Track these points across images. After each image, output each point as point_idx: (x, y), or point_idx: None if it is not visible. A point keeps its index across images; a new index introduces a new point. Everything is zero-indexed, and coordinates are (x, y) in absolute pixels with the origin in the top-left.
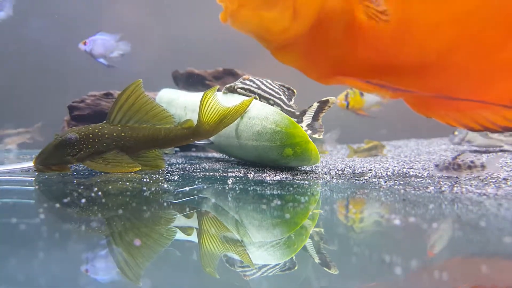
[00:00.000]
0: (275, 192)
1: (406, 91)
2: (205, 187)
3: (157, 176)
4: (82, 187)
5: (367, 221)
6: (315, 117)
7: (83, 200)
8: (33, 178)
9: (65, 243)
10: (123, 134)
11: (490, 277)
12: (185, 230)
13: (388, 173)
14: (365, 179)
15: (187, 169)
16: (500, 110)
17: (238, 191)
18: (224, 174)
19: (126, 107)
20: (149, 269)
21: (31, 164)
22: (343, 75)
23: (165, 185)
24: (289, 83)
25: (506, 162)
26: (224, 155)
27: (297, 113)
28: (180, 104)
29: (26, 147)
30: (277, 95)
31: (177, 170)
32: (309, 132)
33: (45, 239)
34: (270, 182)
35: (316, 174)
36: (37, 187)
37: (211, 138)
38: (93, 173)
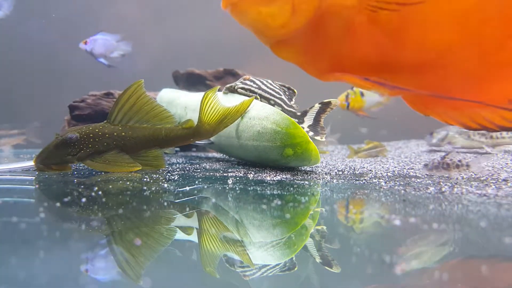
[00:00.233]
0: (275, 192)
1: (404, 89)
2: (205, 187)
3: (158, 175)
4: (82, 186)
5: (367, 222)
6: (316, 118)
7: (84, 200)
8: (34, 177)
9: (65, 242)
10: (123, 134)
11: (490, 278)
12: (185, 229)
13: (389, 174)
14: (365, 179)
15: (187, 169)
16: (499, 109)
17: (238, 191)
18: (225, 174)
19: (127, 107)
20: (150, 269)
21: (31, 163)
22: (342, 72)
23: (166, 185)
24: (289, 83)
25: (507, 163)
26: (224, 155)
27: (298, 114)
28: (181, 103)
29: (20, 148)
30: (277, 95)
31: (178, 169)
32: (311, 133)
33: (45, 238)
34: (271, 182)
35: (316, 174)
36: (37, 186)
37: (212, 138)
38: (94, 172)
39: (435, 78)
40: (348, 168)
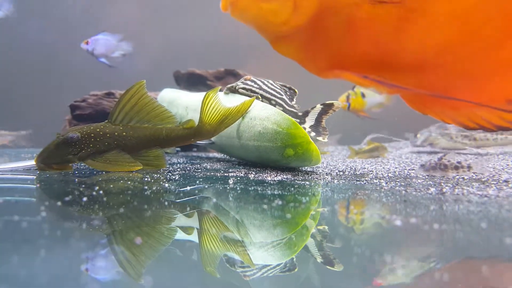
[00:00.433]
0: (276, 192)
1: (403, 88)
2: (206, 186)
3: (158, 175)
4: (83, 185)
5: (367, 222)
6: (318, 119)
7: (85, 199)
8: (35, 177)
9: (66, 241)
10: (124, 133)
11: (490, 279)
12: (186, 229)
13: (389, 174)
14: (366, 180)
15: (188, 168)
16: (497, 110)
17: (239, 191)
18: (225, 174)
19: (128, 107)
20: (150, 268)
21: (32, 162)
22: (341, 69)
23: (166, 185)
24: (290, 83)
25: (508, 164)
26: (225, 155)
27: (300, 114)
28: (182, 104)
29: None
30: (279, 95)
31: (178, 169)
32: (313, 134)
33: (46, 237)
34: (271, 182)
35: (317, 174)
36: (38, 185)
37: (213, 138)
38: (95, 172)
39: (434, 77)
40: (349, 168)
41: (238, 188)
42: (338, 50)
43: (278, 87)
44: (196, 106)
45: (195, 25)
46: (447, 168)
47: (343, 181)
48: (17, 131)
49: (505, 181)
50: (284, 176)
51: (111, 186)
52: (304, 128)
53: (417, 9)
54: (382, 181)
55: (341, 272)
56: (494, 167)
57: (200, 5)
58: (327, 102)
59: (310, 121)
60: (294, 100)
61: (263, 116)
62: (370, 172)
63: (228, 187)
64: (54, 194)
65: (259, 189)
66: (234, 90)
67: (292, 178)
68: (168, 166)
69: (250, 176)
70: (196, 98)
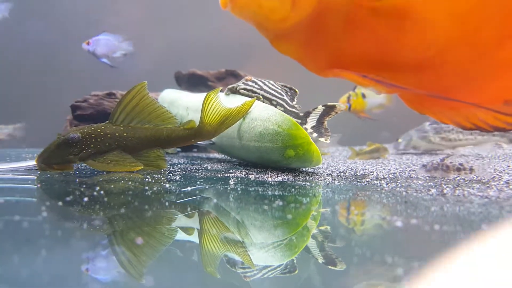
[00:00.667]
0: (276, 193)
1: (402, 88)
2: (206, 187)
3: (159, 176)
4: (84, 186)
5: (368, 223)
6: (320, 120)
7: (85, 199)
8: (36, 177)
9: (67, 241)
10: (125, 134)
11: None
12: (187, 230)
13: (390, 175)
14: (367, 181)
15: (189, 169)
16: (493, 112)
17: (239, 192)
18: (226, 175)
19: (129, 107)
20: (151, 268)
21: (33, 162)
22: (341, 68)
23: (167, 185)
24: (291, 83)
25: (509, 165)
26: (225, 156)
27: (301, 114)
28: (183, 104)
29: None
30: (279, 96)
31: (179, 170)
32: (315, 135)
33: (47, 237)
34: (272, 183)
35: (317, 175)
36: (39, 185)
37: (213, 139)
38: (95, 172)
39: (433, 77)
40: (350, 169)
41: (238, 189)
42: (337, 48)
43: (279, 88)
44: (197, 107)
45: (196, 26)
46: (449, 169)
47: (344, 182)
48: (13, 124)
49: (506, 182)
50: (285, 177)
51: (112, 186)
52: (306, 129)
53: (417, 9)
54: (383, 182)
55: (341, 272)
56: (495, 169)
57: (201, 6)
58: (329, 103)
59: (311, 122)
60: (295, 100)
61: (264, 117)
62: (371, 173)
63: (228, 188)
64: (55, 194)
65: (260, 189)
66: (235, 91)
67: (293, 179)
68: (168, 166)
69: (250, 177)
70: (197, 98)
